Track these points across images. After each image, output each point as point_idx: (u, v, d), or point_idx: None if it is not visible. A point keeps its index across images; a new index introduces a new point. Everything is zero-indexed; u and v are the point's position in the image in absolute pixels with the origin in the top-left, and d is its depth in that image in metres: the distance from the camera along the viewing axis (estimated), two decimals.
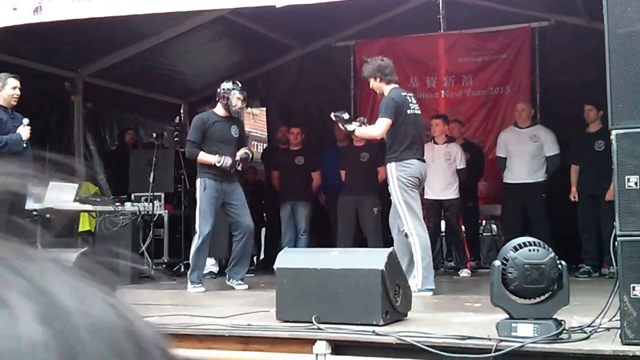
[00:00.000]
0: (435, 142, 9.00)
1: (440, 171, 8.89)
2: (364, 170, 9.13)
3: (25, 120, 7.05)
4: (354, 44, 11.57)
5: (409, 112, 6.87)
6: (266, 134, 13.64)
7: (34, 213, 7.74)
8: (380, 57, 7.15)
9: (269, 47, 11.41)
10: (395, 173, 6.69)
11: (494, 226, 11.31)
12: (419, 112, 7.08)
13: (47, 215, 7.96)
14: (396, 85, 7.07)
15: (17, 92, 7.04)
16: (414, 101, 7.08)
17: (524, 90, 10.54)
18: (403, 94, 7.01)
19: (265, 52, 11.62)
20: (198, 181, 7.64)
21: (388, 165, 6.79)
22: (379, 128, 6.86)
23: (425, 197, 9.03)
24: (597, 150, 8.44)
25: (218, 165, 7.49)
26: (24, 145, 7.02)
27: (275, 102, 12.58)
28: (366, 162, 9.17)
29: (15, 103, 7.05)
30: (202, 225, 7.44)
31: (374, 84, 7.01)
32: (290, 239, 9.86)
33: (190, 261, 7.58)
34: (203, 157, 7.54)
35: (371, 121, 10.31)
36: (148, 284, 8.25)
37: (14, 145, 6.92)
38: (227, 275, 7.87)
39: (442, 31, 11.16)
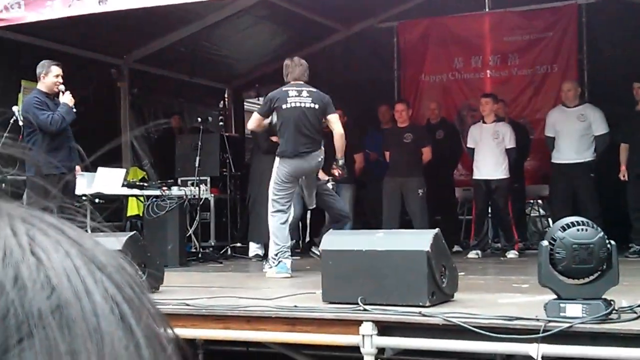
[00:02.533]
0: (483, 122, 8.90)
1: (488, 150, 8.78)
2: (407, 151, 9.10)
3: (62, 87, 7.12)
4: (396, 25, 11.49)
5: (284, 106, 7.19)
6: None
7: (84, 197, 7.88)
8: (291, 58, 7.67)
9: (312, 29, 11.38)
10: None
11: (541, 207, 11.19)
12: (304, 105, 7.30)
13: (97, 200, 8.10)
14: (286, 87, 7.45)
15: (60, 79, 7.14)
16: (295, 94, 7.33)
17: (571, 69, 10.37)
18: (284, 89, 7.39)
19: (308, 34, 11.59)
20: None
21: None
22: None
23: (474, 177, 8.97)
24: None
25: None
26: (74, 110, 7.11)
27: (320, 85, 12.55)
28: (409, 143, 9.13)
29: (57, 90, 7.15)
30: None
31: None
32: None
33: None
34: None
35: (412, 104, 10.29)
36: (196, 266, 8.35)
37: (68, 115, 7.03)
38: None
39: (487, 9, 11.01)
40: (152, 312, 0.47)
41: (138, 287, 0.47)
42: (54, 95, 7.17)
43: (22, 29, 8.35)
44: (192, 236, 9.13)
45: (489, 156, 8.80)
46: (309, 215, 11.92)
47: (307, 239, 11.72)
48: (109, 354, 0.42)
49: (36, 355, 0.41)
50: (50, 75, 7.07)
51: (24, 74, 8.81)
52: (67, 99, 7.10)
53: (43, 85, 7.11)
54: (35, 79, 7.42)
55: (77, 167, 7.43)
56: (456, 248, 9.15)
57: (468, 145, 9.08)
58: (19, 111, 7.63)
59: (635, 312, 3.84)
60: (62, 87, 7.13)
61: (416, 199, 8.98)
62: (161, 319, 0.48)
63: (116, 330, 0.43)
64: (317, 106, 7.20)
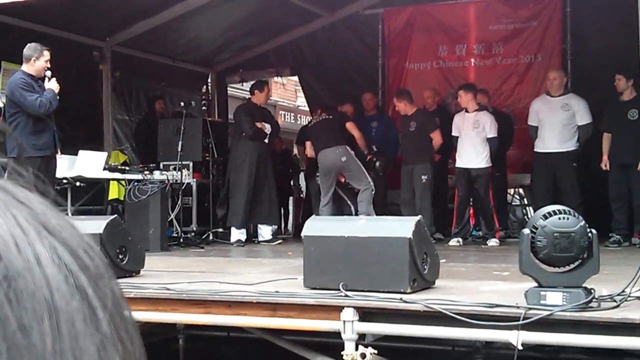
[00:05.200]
0: (466, 111, 8.95)
1: (469, 140, 8.85)
2: (413, 139, 9.31)
3: (48, 73, 7.07)
4: (382, 12, 11.46)
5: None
6: (296, 103, 13.63)
7: (64, 181, 7.82)
8: None
9: (297, 14, 11.34)
10: None
11: (522, 195, 11.25)
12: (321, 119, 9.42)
13: (77, 183, 8.04)
14: None
15: (49, 64, 7.10)
16: None
17: (555, 58, 10.39)
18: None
19: (293, 19, 11.55)
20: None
21: None
22: None
23: (456, 165, 9.03)
24: (631, 119, 8.34)
25: None
26: (58, 97, 7.08)
27: (305, 71, 12.53)
28: (413, 132, 9.26)
29: (44, 75, 7.10)
30: None
31: None
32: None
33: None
34: None
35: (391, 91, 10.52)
36: (177, 251, 8.32)
37: (54, 101, 6.99)
38: None
39: None
40: (110, 280, 0.44)
41: (94, 253, 0.44)
42: (38, 79, 7.11)
43: (3, 10, 8.25)
44: (174, 221, 9.10)
45: (469, 145, 8.86)
46: (291, 201, 11.93)
47: (290, 224, 11.74)
48: (65, 328, 0.39)
49: None
50: (42, 60, 7.02)
51: (4, 55, 8.71)
52: (53, 85, 7.04)
53: (32, 68, 7.03)
54: (17, 60, 7.34)
55: (58, 150, 7.38)
56: (438, 235, 9.20)
57: (452, 134, 9.12)
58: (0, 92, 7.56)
59: (615, 301, 3.86)
60: (48, 73, 7.07)
61: (419, 185, 9.15)
62: (118, 287, 0.44)
63: (71, 302, 0.40)
64: None
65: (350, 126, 9.35)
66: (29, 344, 0.38)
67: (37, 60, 7.02)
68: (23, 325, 0.38)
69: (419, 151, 9.20)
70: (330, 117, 9.39)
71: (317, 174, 9.84)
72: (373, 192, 9.08)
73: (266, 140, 9.42)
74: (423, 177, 9.12)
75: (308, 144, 9.63)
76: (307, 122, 9.76)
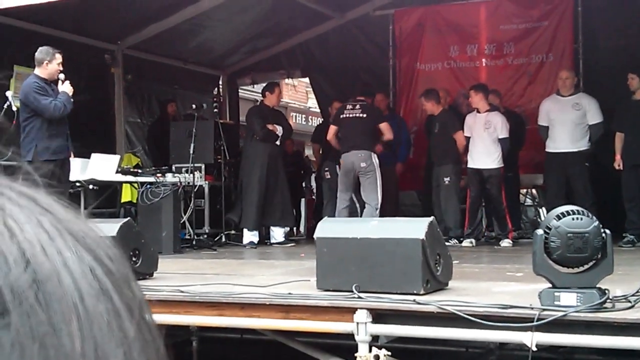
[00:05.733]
0: (478, 111, 8.94)
1: (479, 140, 8.85)
2: (437, 140, 9.33)
3: (62, 76, 7.11)
4: (393, 13, 11.45)
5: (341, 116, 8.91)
6: (307, 104, 13.64)
7: (77, 184, 7.86)
8: None
9: (307, 16, 11.35)
10: None
11: (535, 196, 11.21)
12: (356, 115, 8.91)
13: (90, 186, 8.07)
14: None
15: (61, 67, 7.13)
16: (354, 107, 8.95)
17: (566, 58, 10.36)
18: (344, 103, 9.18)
19: (303, 21, 11.56)
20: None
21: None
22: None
23: (468, 166, 9.02)
24: None
25: None
26: (72, 100, 7.11)
27: (316, 73, 12.55)
28: (437, 132, 9.27)
29: (57, 78, 7.13)
30: None
31: None
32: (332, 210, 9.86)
33: None
34: None
35: (407, 92, 10.57)
36: (190, 253, 8.34)
37: (68, 104, 7.03)
38: None
39: None
40: (133, 284, 0.45)
41: (117, 258, 0.45)
42: (51, 82, 7.14)
43: (15, 14, 8.30)
44: (187, 223, 9.12)
45: (481, 146, 8.86)
46: (303, 203, 11.94)
47: (302, 227, 11.75)
48: (91, 329, 0.40)
49: (17, 333, 0.38)
50: (54, 63, 7.05)
51: (16, 59, 8.76)
52: (67, 88, 7.08)
53: (45, 71, 7.06)
54: (28, 64, 7.38)
55: (71, 153, 7.42)
56: (468, 242, 9.13)
57: (465, 134, 9.11)
58: (12, 96, 7.60)
59: (630, 301, 3.84)
60: (61, 76, 7.10)
61: (442, 187, 9.19)
62: (140, 291, 0.46)
63: (97, 304, 0.41)
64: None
65: (384, 127, 8.99)
66: (59, 344, 0.39)
67: (49, 64, 7.05)
68: (54, 326, 0.39)
69: (442, 152, 9.23)
70: (365, 115, 8.93)
71: (326, 169, 9.79)
72: (377, 211, 8.67)
73: (278, 142, 9.42)
74: (445, 179, 9.13)
75: (333, 128, 9.22)
76: (339, 108, 9.28)
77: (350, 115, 8.97)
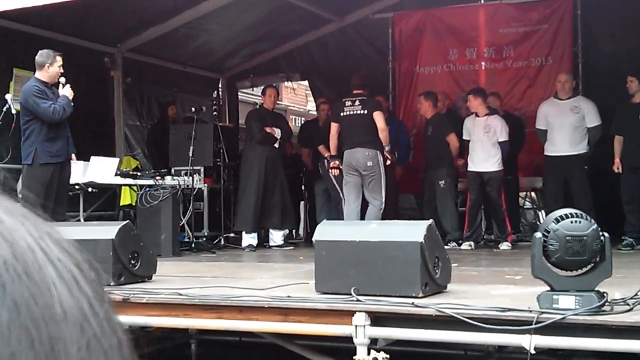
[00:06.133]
0: (477, 115, 8.96)
1: (479, 143, 8.88)
2: (430, 144, 9.35)
3: (62, 79, 7.12)
4: (392, 16, 11.46)
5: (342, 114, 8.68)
6: (307, 107, 13.65)
7: (76, 187, 7.86)
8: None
9: (307, 19, 11.36)
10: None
11: (534, 199, 11.21)
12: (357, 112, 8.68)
13: (89, 189, 8.08)
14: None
15: (62, 70, 7.13)
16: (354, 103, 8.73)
17: (566, 61, 10.37)
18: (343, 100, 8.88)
19: (303, 25, 11.57)
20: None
21: None
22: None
23: (468, 169, 9.04)
24: None
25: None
26: (72, 104, 7.12)
27: (315, 75, 12.55)
28: (430, 136, 9.31)
29: (57, 81, 7.14)
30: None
31: None
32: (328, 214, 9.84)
33: None
34: None
35: (407, 95, 10.57)
36: (189, 256, 8.34)
37: (68, 107, 7.03)
38: None
39: (482, 1, 11.02)
40: (97, 280, 0.50)
41: (92, 264, 0.51)
42: (52, 85, 7.14)
43: (13, 17, 8.30)
44: (186, 226, 9.12)
45: (481, 149, 8.89)
46: (302, 206, 11.93)
47: (302, 230, 11.74)
48: (66, 300, 0.46)
49: (11, 294, 0.44)
50: (55, 66, 7.06)
51: (15, 62, 8.76)
52: (67, 91, 7.08)
53: (45, 74, 7.07)
54: (28, 67, 7.38)
55: (73, 155, 7.42)
56: (467, 245, 9.14)
57: (463, 137, 9.13)
58: (11, 99, 7.60)
59: (628, 305, 3.84)
60: (62, 80, 7.11)
61: (439, 190, 9.18)
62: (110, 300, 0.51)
63: (71, 287, 0.47)
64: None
65: (377, 115, 8.64)
66: (45, 304, 0.46)
67: (50, 67, 7.05)
68: (39, 289, 0.46)
69: (436, 156, 9.24)
70: (366, 112, 8.68)
71: (320, 163, 9.69)
72: (381, 211, 8.56)
73: (276, 145, 9.42)
74: (440, 182, 9.14)
75: (335, 126, 8.89)
76: (337, 105, 8.99)
77: (351, 113, 8.72)
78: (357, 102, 8.76)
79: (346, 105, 8.82)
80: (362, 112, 8.69)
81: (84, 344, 0.46)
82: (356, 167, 8.62)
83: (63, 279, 0.47)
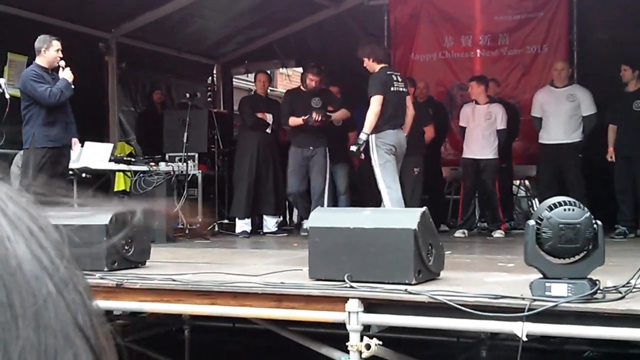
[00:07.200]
0: (477, 103, 8.95)
1: (478, 131, 8.87)
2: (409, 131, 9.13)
3: (62, 63, 7.11)
4: (387, 3, 11.43)
5: (392, 89, 7.58)
6: None
7: (70, 172, 7.84)
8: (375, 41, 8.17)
9: (302, 5, 11.32)
10: (374, 141, 7.50)
11: (528, 187, 11.24)
12: (404, 90, 7.81)
13: (83, 175, 8.06)
14: (385, 65, 7.76)
15: (60, 54, 7.12)
16: (400, 79, 7.78)
17: (561, 49, 10.36)
18: (388, 72, 7.72)
19: (298, 10, 11.53)
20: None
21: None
22: (373, 107, 7.44)
23: (463, 156, 9.02)
24: (636, 110, 8.32)
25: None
26: (72, 86, 7.10)
27: (310, 62, 12.50)
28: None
29: (57, 65, 7.13)
30: None
31: (367, 63, 7.74)
32: (329, 200, 9.78)
33: None
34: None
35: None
36: (182, 242, 8.34)
37: (66, 90, 7.03)
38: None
39: None
40: (61, 241, 0.51)
41: (51, 224, 0.52)
42: (52, 70, 7.14)
43: (8, 1, 8.26)
44: (180, 212, 9.10)
45: (480, 136, 8.88)
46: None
47: (295, 216, 11.74)
48: (21, 252, 0.47)
49: None
50: (51, 50, 7.06)
51: (10, 46, 8.72)
52: (67, 74, 7.08)
53: (44, 59, 7.08)
54: (22, 51, 7.35)
55: (74, 140, 7.40)
56: (443, 227, 9.18)
57: (460, 124, 9.11)
58: (5, 84, 7.57)
59: (620, 292, 3.86)
60: (62, 63, 7.10)
61: (411, 177, 8.87)
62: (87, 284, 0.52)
63: (28, 241, 0.48)
64: None
65: (409, 99, 8.00)
66: (25, 281, 0.47)
67: (47, 51, 7.06)
68: (19, 267, 0.47)
69: (412, 143, 8.91)
70: (406, 91, 7.96)
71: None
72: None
73: (268, 131, 9.41)
74: (415, 169, 8.84)
75: (380, 98, 7.66)
76: (387, 78, 7.67)
77: (399, 90, 7.73)
78: (401, 80, 7.87)
79: (396, 80, 7.80)
80: (404, 90, 7.91)
81: (43, 294, 0.47)
82: (399, 150, 7.75)
83: (20, 233, 0.48)
